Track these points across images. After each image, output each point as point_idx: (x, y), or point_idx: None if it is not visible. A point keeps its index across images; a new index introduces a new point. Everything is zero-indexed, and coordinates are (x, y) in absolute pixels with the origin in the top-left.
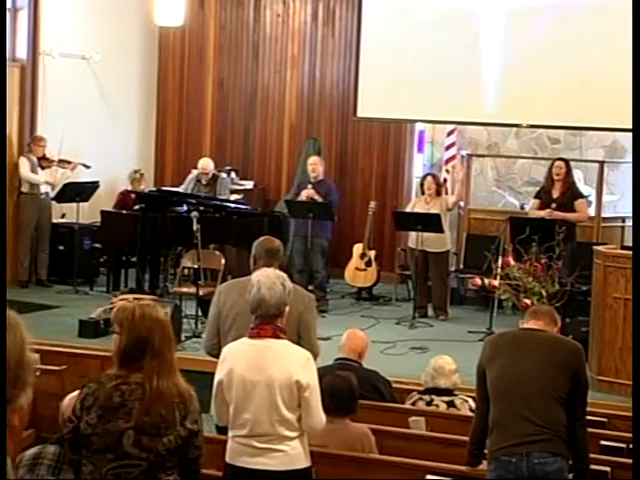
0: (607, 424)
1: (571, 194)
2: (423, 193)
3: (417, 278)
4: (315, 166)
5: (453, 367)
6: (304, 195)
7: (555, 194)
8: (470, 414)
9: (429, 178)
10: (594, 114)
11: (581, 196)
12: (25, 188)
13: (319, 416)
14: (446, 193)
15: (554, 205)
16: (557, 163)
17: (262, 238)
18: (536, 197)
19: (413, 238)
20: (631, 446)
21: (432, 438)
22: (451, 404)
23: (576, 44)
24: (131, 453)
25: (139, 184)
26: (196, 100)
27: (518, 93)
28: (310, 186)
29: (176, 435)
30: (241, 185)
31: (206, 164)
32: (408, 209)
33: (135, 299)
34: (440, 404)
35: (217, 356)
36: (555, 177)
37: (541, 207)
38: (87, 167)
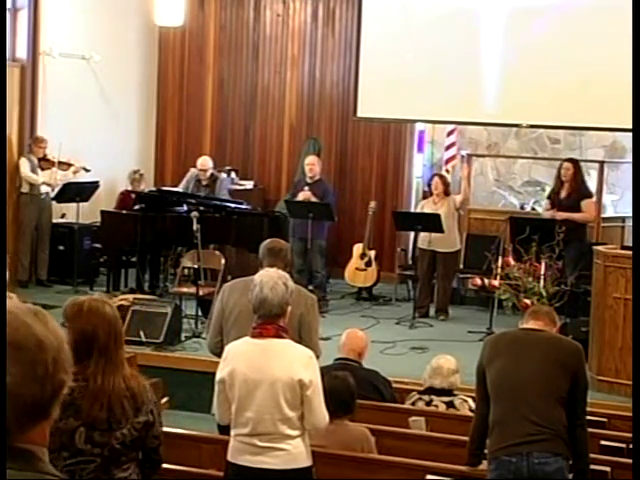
0: (607, 424)
1: (578, 194)
2: (431, 194)
3: (422, 278)
4: (312, 166)
5: (452, 367)
6: (301, 197)
7: (562, 194)
8: (470, 414)
9: (436, 179)
10: (594, 114)
11: (589, 196)
12: (25, 188)
13: (322, 414)
14: None
15: (553, 210)
16: (565, 164)
17: (268, 240)
18: (548, 198)
19: (423, 238)
20: (631, 446)
21: (432, 438)
22: (450, 404)
23: (576, 44)
24: (84, 450)
25: (139, 184)
26: (196, 100)
27: (518, 93)
28: (307, 188)
29: (130, 428)
30: (241, 185)
31: (205, 162)
32: (417, 210)
33: (136, 299)
34: (439, 404)
35: (220, 355)
36: (563, 178)
37: (551, 208)
38: (87, 171)
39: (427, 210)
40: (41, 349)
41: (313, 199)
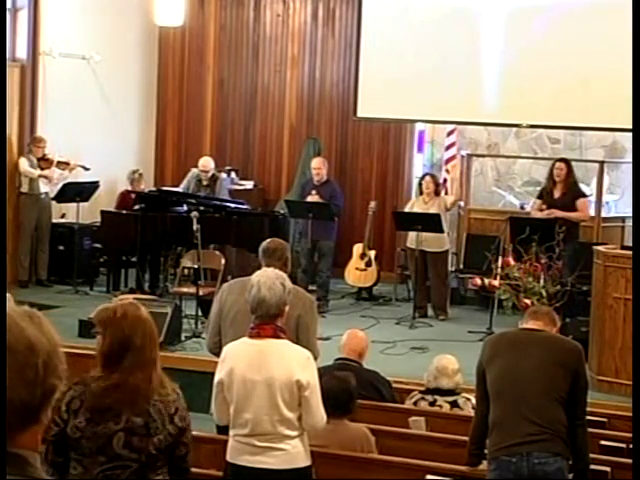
0: (607, 424)
1: (572, 194)
2: (422, 193)
3: (416, 278)
4: (319, 170)
5: (456, 367)
6: (309, 201)
7: (556, 194)
8: (470, 414)
9: (428, 178)
10: (594, 114)
11: (582, 195)
12: (25, 188)
13: (320, 415)
14: (446, 193)
15: (546, 208)
16: (557, 164)
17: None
18: (538, 197)
19: (412, 238)
20: (631, 446)
21: (432, 438)
22: (454, 404)
23: (576, 44)
24: (122, 455)
25: (138, 184)
26: (196, 100)
27: (518, 93)
28: (314, 191)
29: (166, 434)
30: (241, 185)
31: (207, 162)
32: (407, 209)
33: (136, 299)
34: (444, 404)
35: (219, 354)
36: (556, 178)
37: (547, 208)
38: (86, 169)
39: (417, 209)
40: (32, 352)
41: (321, 202)
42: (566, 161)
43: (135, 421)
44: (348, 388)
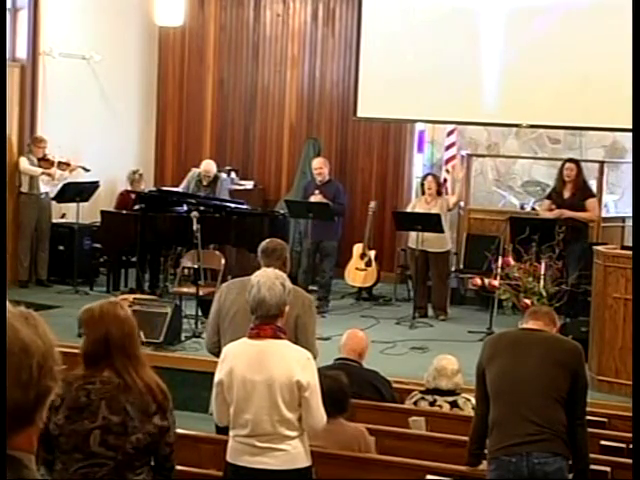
0: (607, 424)
1: (581, 194)
2: (424, 193)
3: (417, 278)
4: (320, 170)
5: (455, 367)
6: (310, 201)
7: (566, 194)
8: (470, 414)
9: (430, 178)
10: (594, 114)
11: (592, 195)
12: (25, 188)
13: (320, 415)
14: (446, 193)
15: (559, 209)
16: (568, 165)
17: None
18: (548, 198)
19: (413, 238)
20: (631, 446)
21: (432, 438)
22: (454, 404)
23: (576, 44)
24: (98, 452)
25: (138, 184)
26: (196, 100)
27: (518, 93)
28: (317, 191)
29: (145, 433)
30: (241, 185)
31: (209, 167)
32: (409, 209)
33: (135, 299)
34: (443, 404)
35: (218, 354)
36: (566, 179)
37: (552, 208)
38: (86, 170)
39: (419, 209)
40: (26, 354)
41: (325, 201)
42: (576, 161)
43: (111, 419)
44: (342, 387)
